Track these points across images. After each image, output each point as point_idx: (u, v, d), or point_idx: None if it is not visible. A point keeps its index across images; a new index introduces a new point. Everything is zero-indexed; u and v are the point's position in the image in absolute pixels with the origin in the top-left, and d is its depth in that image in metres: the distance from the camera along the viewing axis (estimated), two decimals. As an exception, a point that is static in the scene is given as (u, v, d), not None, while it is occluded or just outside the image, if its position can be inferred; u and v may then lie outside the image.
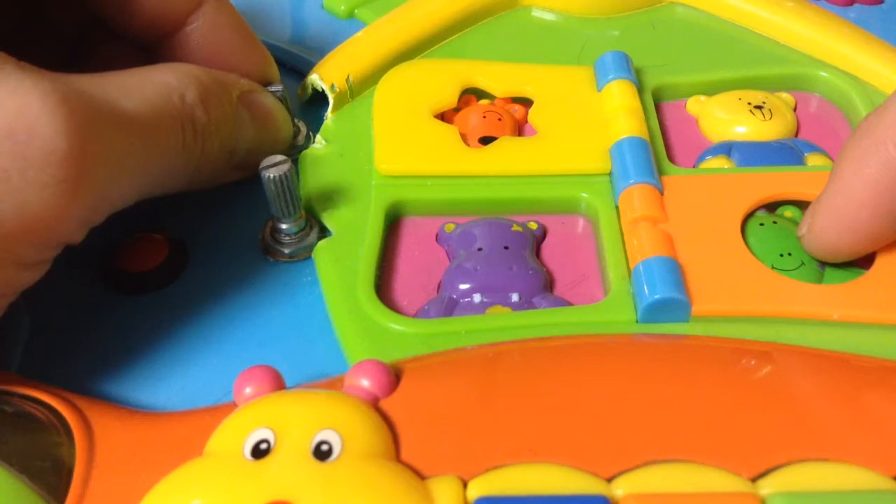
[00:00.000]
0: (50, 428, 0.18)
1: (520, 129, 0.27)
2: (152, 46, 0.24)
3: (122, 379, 0.20)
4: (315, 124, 0.27)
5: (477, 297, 0.22)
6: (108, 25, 0.24)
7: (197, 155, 0.22)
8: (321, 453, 0.15)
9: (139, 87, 0.20)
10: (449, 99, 0.27)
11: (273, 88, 0.25)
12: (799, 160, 0.25)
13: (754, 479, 0.15)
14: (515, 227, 0.23)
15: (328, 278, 0.22)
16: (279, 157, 0.22)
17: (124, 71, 0.21)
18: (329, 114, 0.27)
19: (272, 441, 0.16)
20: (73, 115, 0.17)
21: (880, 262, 0.21)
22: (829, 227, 0.21)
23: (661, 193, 0.23)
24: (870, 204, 0.20)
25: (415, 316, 0.21)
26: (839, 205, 0.20)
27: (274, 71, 0.26)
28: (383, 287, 0.22)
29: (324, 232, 0.24)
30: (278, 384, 0.18)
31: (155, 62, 0.22)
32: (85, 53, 0.25)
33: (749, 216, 0.23)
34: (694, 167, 0.26)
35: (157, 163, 0.20)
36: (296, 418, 0.16)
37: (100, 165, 0.18)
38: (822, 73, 0.28)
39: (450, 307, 0.21)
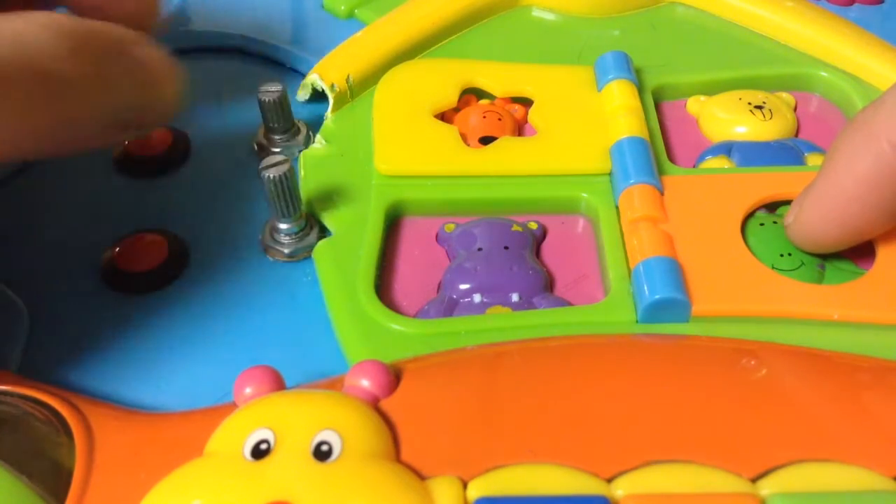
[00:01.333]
0: (50, 428, 0.18)
1: (520, 129, 0.27)
2: None
3: (122, 379, 0.20)
4: (315, 124, 0.27)
5: (477, 297, 0.22)
6: None
7: (54, 115, 0.19)
8: (321, 453, 0.15)
9: None
10: (449, 99, 0.27)
11: (272, 88, 0.25)
12: (799, 160, 0.25)
13: (754, 480, 0.15)
14: (515, 227, 0.23)
15: (328, 278, 0.22)
16: (279, 157, 0.21)
17: None
18: (329, 114, 0.27)
19: (272, 441, 0.16)
20: None
21: (880, 262, 0.21)
22: (816, 219, 0.21)
23: (662, 193, 0.23)
24: (860, 198, 0.20)
25: (415, 316, 0.21)
26: (829, 198, 0.20)
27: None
28: (383, 287, 0.22)
29: (324, 232, 0.24)
30: (278, 384, 0.18)
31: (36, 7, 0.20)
32: None
33: (749, 216, 0.23)
34: (694, 167, 0.26)
35: (3, 123, 0.18)
36: (296, 418, 0.16)
37: None
38: (822, 73, 0.28)
39: (450, 307, 0.21)
